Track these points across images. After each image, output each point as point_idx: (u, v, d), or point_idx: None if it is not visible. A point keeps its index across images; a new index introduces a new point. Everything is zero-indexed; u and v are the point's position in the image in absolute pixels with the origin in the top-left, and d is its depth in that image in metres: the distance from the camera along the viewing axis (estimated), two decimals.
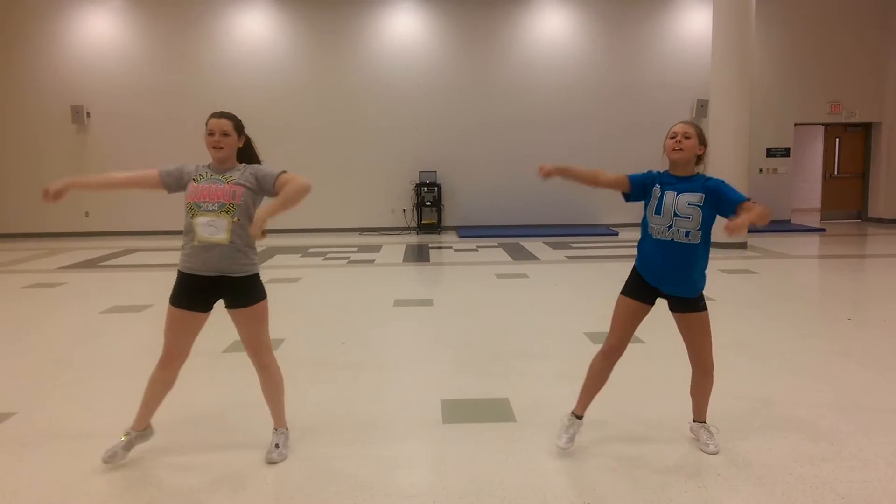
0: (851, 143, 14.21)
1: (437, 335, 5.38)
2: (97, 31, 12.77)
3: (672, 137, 2.96)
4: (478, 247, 10.87)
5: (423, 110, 13.17)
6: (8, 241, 12.36)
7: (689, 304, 2.99)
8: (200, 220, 2.83)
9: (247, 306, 2.96)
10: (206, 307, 2.99)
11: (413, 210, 13.22)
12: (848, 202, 14.38)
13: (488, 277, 8.00)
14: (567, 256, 9.58)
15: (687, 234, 2.89)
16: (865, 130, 14.08)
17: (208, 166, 2.99)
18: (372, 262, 9.45)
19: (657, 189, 2.96)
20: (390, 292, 7.12)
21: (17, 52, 12.70)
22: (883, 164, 13.79)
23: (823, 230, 12.55)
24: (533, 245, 10.87)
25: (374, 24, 13.03)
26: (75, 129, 12.88)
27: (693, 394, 3.17)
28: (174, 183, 2.99)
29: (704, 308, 3.02)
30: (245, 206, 2.89)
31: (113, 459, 2.98)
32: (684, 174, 2.97)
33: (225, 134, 2.92)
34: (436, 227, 13.06)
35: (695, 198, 2.89)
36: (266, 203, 2.90)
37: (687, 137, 2.92)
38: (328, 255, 10.07)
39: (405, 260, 9.67)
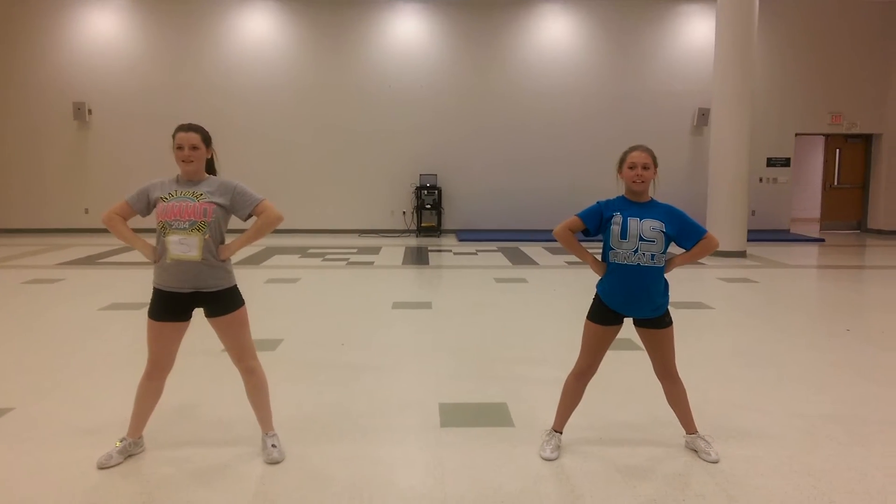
0: (852, 153, 14.23)
1: (436, 338, 5.38)
2: (99, 29, 12.78)
3: (631, 168, 3.00)
4: (477, 250, 10.87)
5: (424, 113, 13.18)
6: (7, 237, 12.35)
7: (654, 321, 3.06)
8: (172, 239, 2.85)
9: (225, 314, 2.99)
10: (186, 316, 3.02)
11: (413, 213, 13.22)
12: (847, 213, 14.39)
13: (487, 281, 8.00)
14: (566, 262, 9.58)
15: (652, 257, 2.97)
16: (866, 142, 14.11)
17: (175, 180, 2.99)
18: (371, 263, 9.45)
19: (618, 216, 3.00)
20: (389, 294, 7.12)
21: (19, 48, 12.70)
22: (883, 175, 13.82)
23: (822, 240, 12.56)
24: (532, 250, 10.88)
25: (377, 26, 13.04)
26: (77, 126, 12.88)
27: (673, 406, 3.21)
28: (143, 207, 2.99)
29: (670, 323, 3.10)
30: (216, 222, 2.92)
31: (108, 463, 2.99)
32: (642, 200, 3.06)
33: (194, 147, 2.92)
34: (435, 230, 13.06)
35: (657, 223, 2.97)
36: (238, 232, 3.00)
37: (646, 168, 2.99)
38: (327, 256, 10.06)
39: (404, 262, 9.67)
